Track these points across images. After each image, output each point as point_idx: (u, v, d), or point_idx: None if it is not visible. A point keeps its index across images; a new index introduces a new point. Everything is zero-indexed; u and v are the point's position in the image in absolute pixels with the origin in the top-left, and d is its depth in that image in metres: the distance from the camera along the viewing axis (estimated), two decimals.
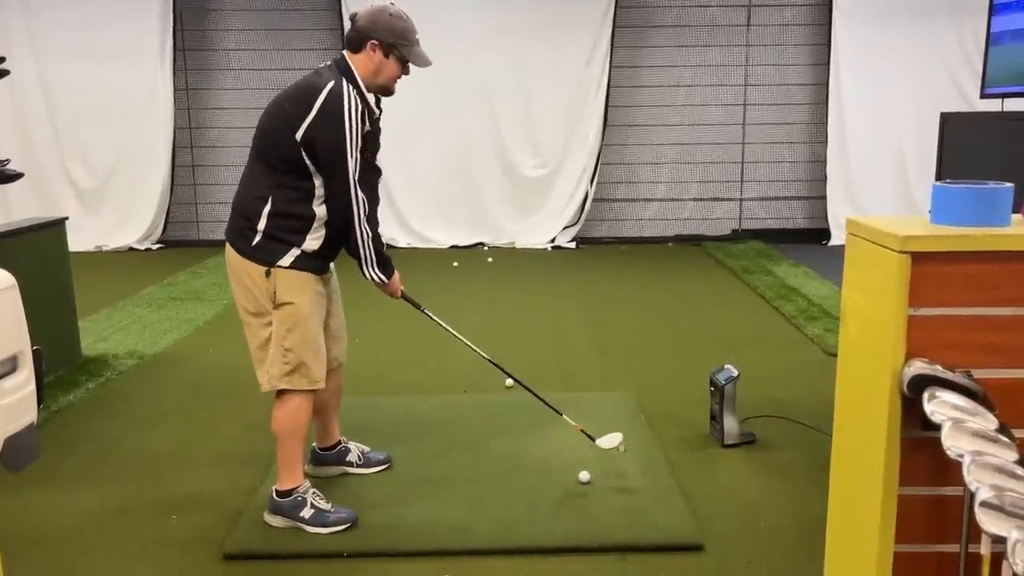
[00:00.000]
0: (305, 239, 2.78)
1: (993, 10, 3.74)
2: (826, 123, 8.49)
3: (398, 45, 2.78)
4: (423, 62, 2.86)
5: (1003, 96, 3.82)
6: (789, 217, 8.95)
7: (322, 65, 2.83)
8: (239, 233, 2.79)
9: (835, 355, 4.91)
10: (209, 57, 8.61)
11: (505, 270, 7.50)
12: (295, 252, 2.76)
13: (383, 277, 2.89)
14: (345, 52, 2.83)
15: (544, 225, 8.58)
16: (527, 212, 8.58)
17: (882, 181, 8.52)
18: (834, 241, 8.53)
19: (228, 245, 2.83)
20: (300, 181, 2.74)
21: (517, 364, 4.60)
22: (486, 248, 8.47)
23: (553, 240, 8.54)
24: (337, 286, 3.08)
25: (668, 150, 8.81)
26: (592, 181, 8.52)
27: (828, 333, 5.15)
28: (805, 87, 8.70)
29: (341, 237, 2.83)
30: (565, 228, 8.59)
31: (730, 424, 3.49)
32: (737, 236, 8.81)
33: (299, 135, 2.67)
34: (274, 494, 2.88)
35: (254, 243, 2.76)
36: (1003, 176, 3.96)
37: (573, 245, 8.54)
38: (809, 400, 4.04)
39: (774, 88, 8.69)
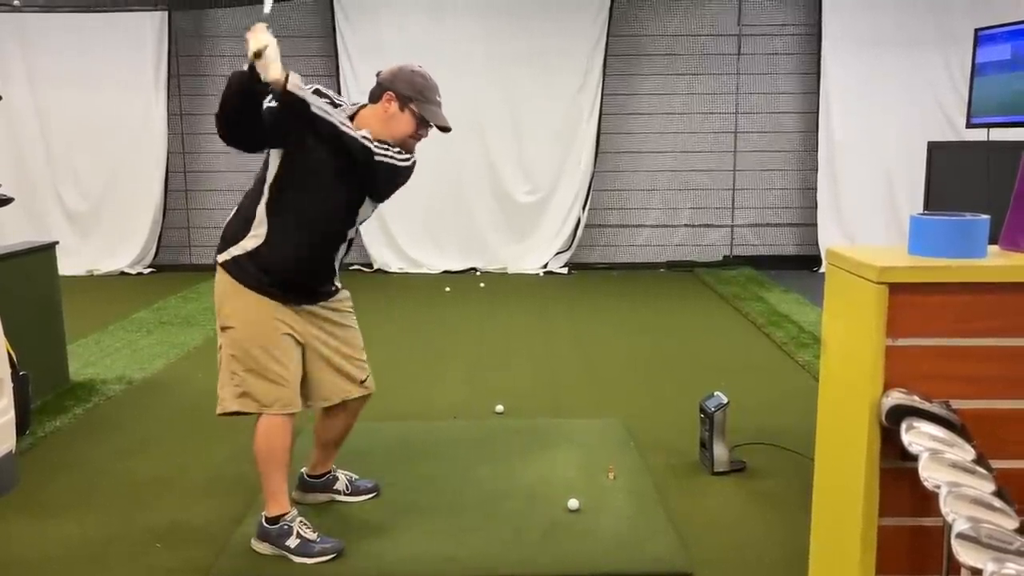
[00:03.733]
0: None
1: (978, 42, 3.79)
2: (816, 151, 8.57)
3: (414, 99, 2.81)
4: (439, 120, 2.85)
5: (988, 126, 3.87)
6: (780, 244, 9.00)
7: None
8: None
9: None
10: (203, 83, 8.66)
11: (497, 295, 7.52)
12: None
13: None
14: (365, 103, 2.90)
15: (536, 251, 8.61)
16: (519, 238, 8.61)
17: (872, 209, 8.59)
18: (824, 268, 8.55)
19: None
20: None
21: (507, 389, 4.63)
22: (478, 273, 8.49)
23: (545, 266, 8.57)
24: (343, 319, 3.03)
25: (660, 176, 8.87)
26: (584, 207, 8.57)
27: (819, 360, 5.15)
28: (795, 115, 8.79)
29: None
30: (557, 254, 8.62)
31: (720, 452, 3.49)
32: (729, 262, 8.85)
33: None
34: (263, 520, 2.87)
35: None
36: (988, 205, 4.00)
37: (565, 271, 8.57)
38: (799, 428, 4.01)
39: (764, 116, 8.78)
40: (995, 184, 4.12)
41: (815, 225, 8.66)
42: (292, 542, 2.82)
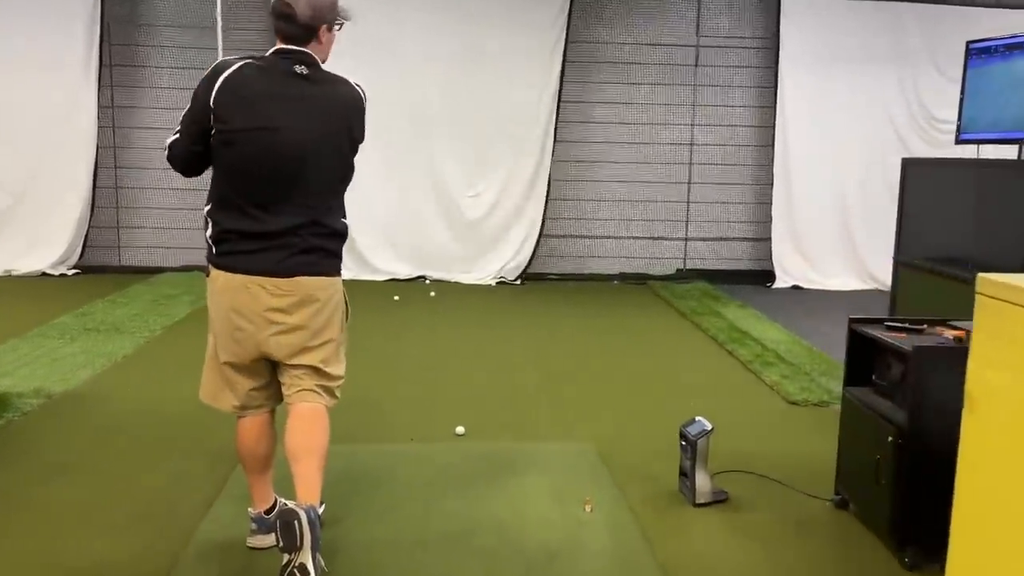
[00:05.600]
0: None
1: (969, 55, 3.67)
2: (772, 165, 8.51)
3: (338, 16, 2.63)
4: (349, 15, 2.69)
5: (979, 142, 3.75)
6: (734, 258, 8.91)
7: (300, 71, 2.54)
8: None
9: (797, 404, 4.84)
10: (137, 74, 8.15)
11: (448, 306, 7.21)
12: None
13: None
14: (295, 47, 2.55)
15: (489, 260, 8.32)
16: (471, 246, 8.32)
17: (826, 225, 8.57)
18: (778, 284, 8.51)
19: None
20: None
21: (465, 410, 4.33)
22: (428, 281, 8.17)
23: (498, 275, 8.29)
24: (289, 320, 2.57)
25: (615, 187, 8.70)
26: (538, 216, 8.32)
27: (786, 380, 5.00)
28: (751, 128, 8.72)
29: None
30: (510, 263, 8.35)
31: (702, 481, 3.25)
32: (682, 276, 8.72)
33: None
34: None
35: None
36: (966, 222, 3.86)
37: (518, 281, 8.30)
38: (777, 453, 3.85)
39: (721, 128, 8.69)
40: (979, 201, 4.01)
41: (769, 240, 8.60)
42: None
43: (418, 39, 7.98)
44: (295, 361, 2.60)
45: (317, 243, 2.56)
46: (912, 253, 4.54)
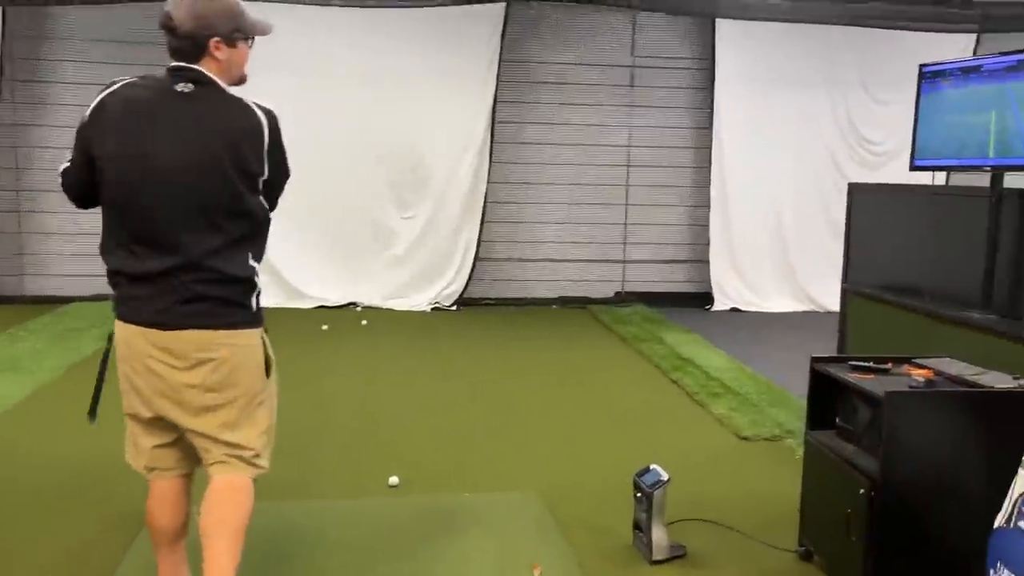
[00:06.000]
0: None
1: (922, 79, 3.55)
2: (709, 186, 8.43)
3: (240, 27, 2.25)
4: (267, 29, 2.31)
5: (933, 168, 3.63)
6: (672, 280, 8.79)
7: (183, 88, 2.18)
8: None
9: (748, 439, 4.66)
10: (41, 90, 7.61)
11: (381, 335, 6.86)
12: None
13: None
14: (184, 64, 2.19)
15: (424, 285, 8.01)
16: (405, 271, 7.99)
17: (763, 246, 8.52)
18: (717, 306, 8.42)
19: None
20: None
21: (399, 456, 4.00)
22: (359, 309, 7.80)
23: (433, 301, 7.98)
24: (180, 378, 2.21)
25: (553, 209, 8.50)
26: (475, 239, 8.05)
27: (735, 413, 4.82)
28: (689, 150, 8.64)
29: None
30: (446, 289, 8.04)
31: (659, 536, 3.01)
32: (621, 299, 8.55)
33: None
34: None
35: None
36: (917, 246, 3.72)
37: (454, 307, 8.00)
38: (733, 496, 3.64)
39: (658, 150, 8.58)
40: (933, 229, 3.90)
41: (707, 262, 8.50)
42: None
43: (350, 59, 7.64)
44: (190, 425, 2.25)
45: (202, 290, 2.16)
46: (861, 280, 4.42)
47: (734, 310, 8.40)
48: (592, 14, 8.23)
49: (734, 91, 8.27)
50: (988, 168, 3.30)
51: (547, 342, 6.81)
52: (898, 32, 8.08)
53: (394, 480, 3.69)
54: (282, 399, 2.51)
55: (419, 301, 7.94)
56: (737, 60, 8.23)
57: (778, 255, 8.53)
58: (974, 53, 8.08)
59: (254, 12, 2.32)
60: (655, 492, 2.99)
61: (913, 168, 3.65)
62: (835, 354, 4.62)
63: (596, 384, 5.57)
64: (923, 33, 8.04)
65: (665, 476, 3.03)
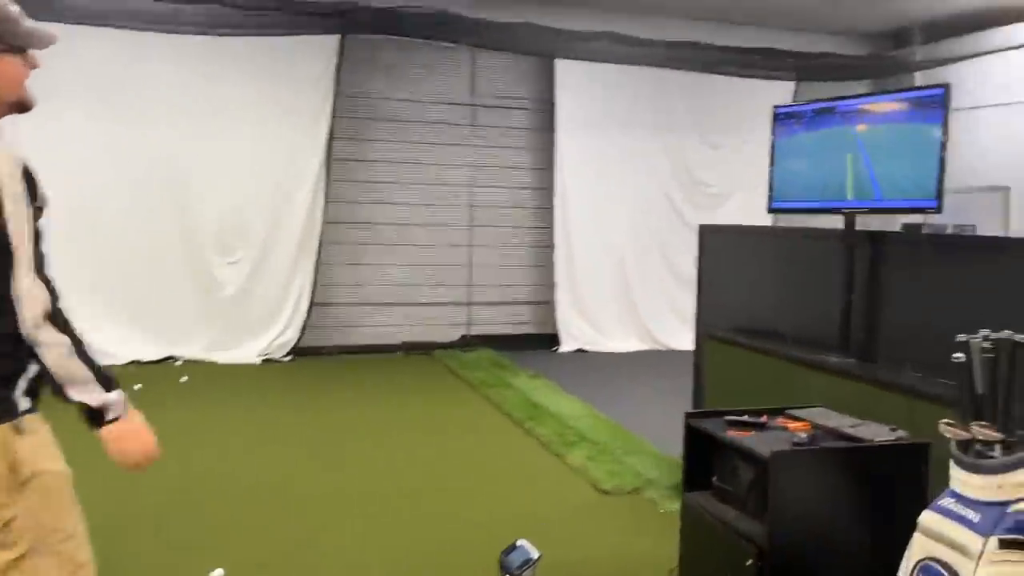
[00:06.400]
0: None
1: (776, 120, 3.51)
2: (552, 227, 8.35)
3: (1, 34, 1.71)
4: (46, 39, 1.78)
5: (790, 211, 3.59)
6: (518, 322, 8.61)
7: None
8: None
9: (608, 493, 4.44)
10: None
11: (203, 393, 6.18)
12: None
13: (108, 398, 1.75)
14: None
15: (253, 334, 7.36)
16: (231, 320, 7.32)
17: (606, 286, 8.52)
18: (563, 347, 8.31)
19: None
20: None
21: (227, 540, 3.45)
22: (178, 364, 7.03)
23: (264, 352, 7.34)
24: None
25: (394, 250, 8.12)
26: (309, 284, 7.52)
27: (592, 463, 4.60)
28: (532, 190, 8.54)
29: None
30: (278, 338, 7.43)
31: None
32: (467, 343, 8.26)
33: None
34: None
35: None
36: (771, 288, 3.65)
37: (288, 358, 7.41)
38: (601, 561, 3.37)
39: (501, 190, 8.43)
40: (787, 271, 3.86)
41: (553, 303, 8.39)
42: None
43: (170, 90, 6.98)
44: None
45: None
46: (715, 323, 4.35)
47: (580, 351, 8.32)
48: (432, 51, 8.01)
49: (574, 132, 8.27)
50: (845, 211, 3.27)
51: (392, 393, 6.38)
52: (727, 78, 8.38)
53: (218, 573, 3.15)
54: (80, 486, 1.96)
55: (247, 353, 7.29)
56: (577, 102, 8.25)
57: (621, 295, 8.56)
58: (793, 99, 8.52)
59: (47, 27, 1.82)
60: (524, 574, 2.66)
61: (771, 210, 3.60)
62: (692, 398, 4.54)
63: (447, 439, 5.20)
64: (754, 80, 8.39)
65: (535, 554, 2.72)
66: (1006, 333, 2.07)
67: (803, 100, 3.53)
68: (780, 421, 2.74)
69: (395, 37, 7.74)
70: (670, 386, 5.97)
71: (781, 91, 8.69)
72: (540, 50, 8.01)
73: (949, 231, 4.21)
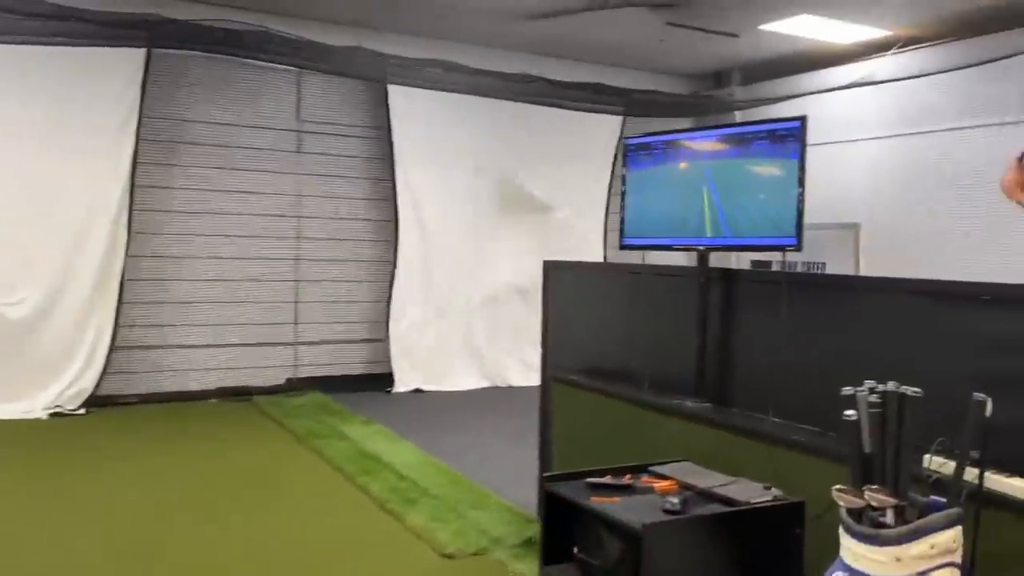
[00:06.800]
0: None
1: (627, 155, 3.31)
2: (392, 261, 7.91)
3: None
4: None
5: (642, 247, 3.39)
6: (350, 362, 8.07)
7: None
8: None
9: (451, 556, 4.05)
10: None
11: None
12: None
13: None
14: None
15: (39, 384, 6.39)
16: (12, 368, 6.31)
17: (444, 322, 8.17)
18: (399, 388, 7.85)
19: None
20: None
21: None
22: None
23: (52, 405, 6.39)
24: None
25: (211, 286, 7.38)
26: (109, 325, 6.65)
27: (434, 523, 4.19)
28: (367, 222, 8.07)
29: None
30: (70, 387, 6.50)
31: None
32: (293, 386, 7.63)
33: None
34: None
35: None
36: (621, 328, 3.43)
37: (82, 410, 6.48)
38: None
39: (331, 221, 7.90)
40: (638, 309, 3.67)
41: (387, 341, 7.93)
42: None
43: None
44: None
45: None
46: (563, 365, 4.10)
47: (417, 391, 7.90)
48: (252, 71, 7.41)
49: (413, 162, 7.91)
50: (700, 248, 3.10)
51: (204, 448, 5.67)
52: (557, 110, 8.35)
53: None
54: None
55: (31, 406, 6.30)
56: (412, 129, 7.90)
57: (462, 330, 8.24)
58: (621, 133, 8.64)
59: None
60: None
61: (623, 247, 3.39)
62: (539, 447, 4.26)
63: (268, 501, 4.62)
64: (580, 112, 8.40)
65: None
66: (892, 385, 1.90)
67: (641, 133, 3.36)
68: (645, 480, 2.48)
69: (213, 55, 7.10)
70: (516, 428, 5.71)
71: (610, 125, 8.78)
72: (370, 74, 7.62)
73: (799, 269, 4.24)
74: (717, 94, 9.25)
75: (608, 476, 2.47)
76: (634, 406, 3.45)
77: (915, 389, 1.86)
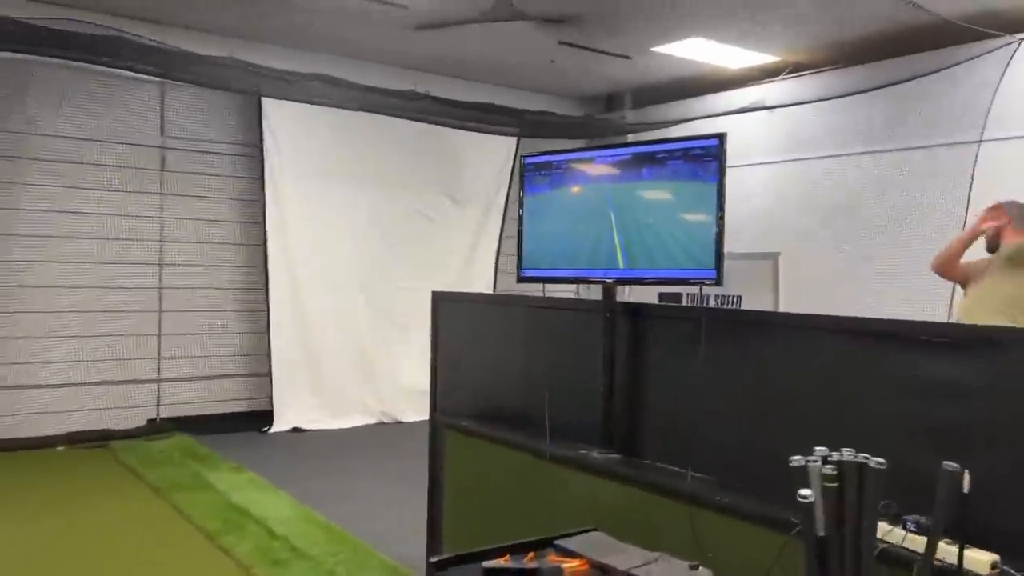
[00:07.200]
0: None
1: (524, 175, 2.94)
2: (266, 290, 7.30)
3: None
4: None
5: (540, 280, 3.03)
6: (222, 400, 7.38)
7: None
8: None
9: None
10: None
11: None
12: None
13: None
14: None
15: None
16: None
17: (327, 354, 7.60)
18: (278, 426, 7.23)
19: None
20: None
21: None
22: None
23: None
24: None
25: (60, 319, 6.58)
26: None
27: None
28: (239, 247, 7.43)
29: None
30: None
31: None
32: (156, 428, 6.89)
33: None
34: None
35: None
36: (520, 368, 3.07)
37: None
38: None
39: (200, 246, 7.23)
40: (545, 347, 3.29)
41: (266, 375, 7.30)
42: None
43: None
44: None
45: None
46: (454, 408, 3.68)
47: (297, 430, 7.29)
48: (109, 81, 6.71)
49: (288, 182, 7.35)
50: (609, 280, 2.76)
51: (45, 506, 4.92)
52: (454, 130, 7.98)
53: None
54: None
55: None
56: (290, 147, 7.36)
57: (346, 364, 7.68)
58: (516, 154, 8.35)
59: None
60: None
61: (521, 280, 3.01)
62: (427, 504, 3.81)
63: (115, 570, 3.97)
64: (472, 133, 8.06)
65: None
66: (848, 453, 1.59)
67: (540, 151, 3.00)
68: (552, 559, 2.09)
69: (63, 61, 6.36)
70: (406, 470, 5.23)
71: (504, 146, 8.49)
72: (244, 88, 7.02)
73: (711, 303, 3.92)
74: (610, 117, 9.11)
75: (507, 557, 2.07)
76: (534, 457, 3.07)
77: (878, 460, 1.54)
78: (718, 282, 2.39)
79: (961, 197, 6.05)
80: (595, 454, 2.89)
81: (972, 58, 5.82)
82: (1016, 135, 5.87)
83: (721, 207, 2.39)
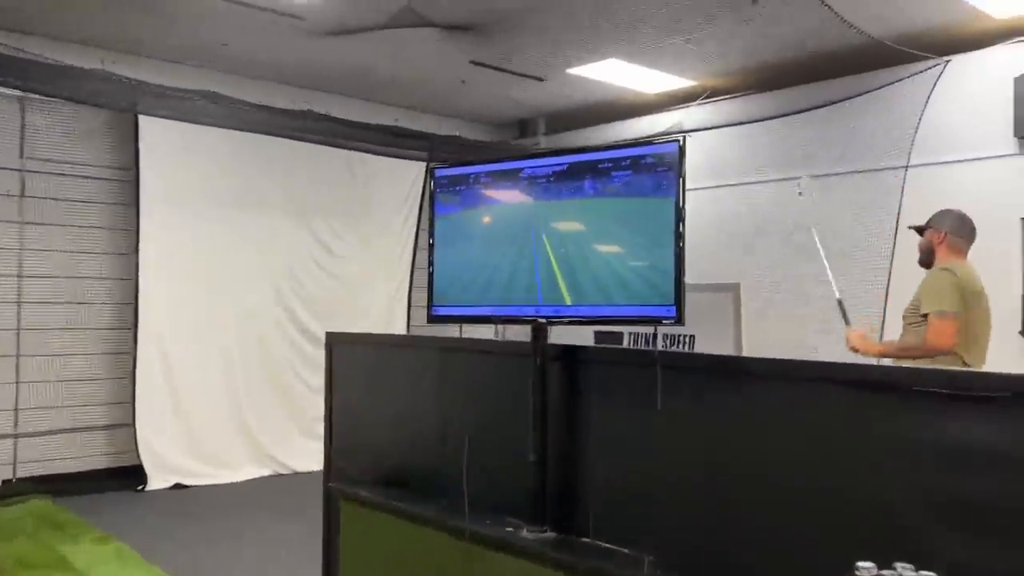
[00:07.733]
0: None
1: (435, 193, 2.41)
2: (133, 328, 6.50)
3: None
4: None
5: (450, 320, 2.49)
6: (88, 455, 6.51)
7: None
8: None
9: None
10: None
11: None
12: None
13: None
14: None
15: None
16: None
17: (210, 401, 6.82)
18: (153, 484, 6.40)
19: None
20: None
21: None
22: None
23: None
24: None
25: None
26: None
27: None
28: (108, 281, 6.61)
29: None
30: None
31: None
32: (12, 491, 5.98)
33: None
34: None
35: None
36: (433, 424, 2.54)
37: None
38: None
39: (62, 281, 6.38)
40: (462, 397, 2.75)
41: (134, 425, 6.47)
42: None
43: None
44: None
45: None
46: (353, 472, 3.09)
47: (178, 487, 6.47)
48: None
49: (167, 209, 6.60)
50: (541, 320, 2.25)
51: None
52: (355, 153, 7.41)
53: None
54: None
55: None
56: (169, 171, 6.61)
57: (230, 409, 6.91)
58: (425, 179, 7.83)
59: None
60: None
61: (432, 319, 2.46)
62: None
63: None
64: (378, 157, 7.51)
65: None
66: (905, 569, 1.10)
67: (455, 161, 2.49)
68: None
69: None
70: (301, 531, 4.58)
71: (413, 171, 7.98)
72: (118, 104, 6.27)
73: (659, 344, 3.47)
74: (523, 143, 8.72)
75: None
76: (450, 536, 2.51)
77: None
78: (679, 320, 1.91)
79: (889, 228, 5.86)
80: (525, 532, 2.35)
81: (899, 80, 5.66)
82: (942, 160, 5.73)
83: (680, 227, 1.92)
